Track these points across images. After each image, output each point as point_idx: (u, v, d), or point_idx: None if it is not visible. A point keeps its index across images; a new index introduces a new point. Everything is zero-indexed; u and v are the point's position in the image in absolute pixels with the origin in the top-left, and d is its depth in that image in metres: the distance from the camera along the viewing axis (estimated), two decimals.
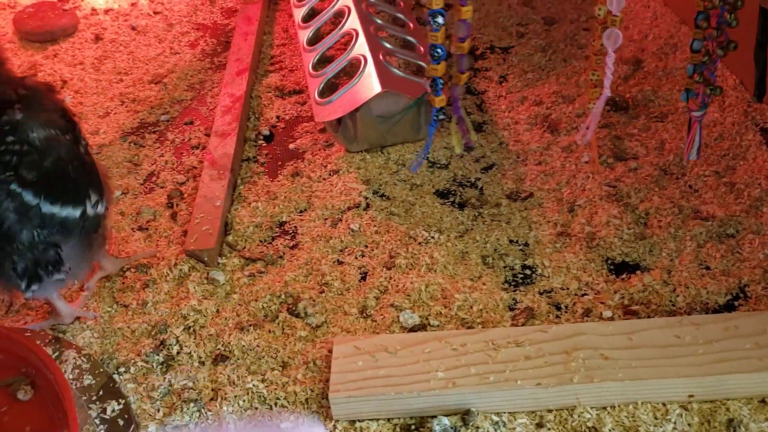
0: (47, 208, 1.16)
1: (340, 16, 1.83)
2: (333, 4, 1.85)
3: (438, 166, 1.61)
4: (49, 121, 1.20)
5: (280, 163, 1.68)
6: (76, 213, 1.20)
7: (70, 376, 1.20)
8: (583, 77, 1.77)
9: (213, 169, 1.61)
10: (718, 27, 1.22)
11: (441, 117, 1.29)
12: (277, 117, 1.81)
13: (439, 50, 1.21)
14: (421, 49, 1.75)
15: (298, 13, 1.95)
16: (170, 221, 1.55)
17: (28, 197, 1.15)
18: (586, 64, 1.34)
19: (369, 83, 1.56)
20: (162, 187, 1.64)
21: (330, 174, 1.62)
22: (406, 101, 1.58)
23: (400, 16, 1.85)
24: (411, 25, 1.83)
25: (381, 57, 1.63)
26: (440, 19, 1.19)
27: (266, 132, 1.77)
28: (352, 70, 1.74)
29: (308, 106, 1.82)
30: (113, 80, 1.97)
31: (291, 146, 1.72)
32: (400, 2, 1.92)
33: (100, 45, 2.10)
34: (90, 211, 1.23)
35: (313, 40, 1.85)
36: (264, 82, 1.91)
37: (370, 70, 1.59)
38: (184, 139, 1.77)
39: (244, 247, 1.47)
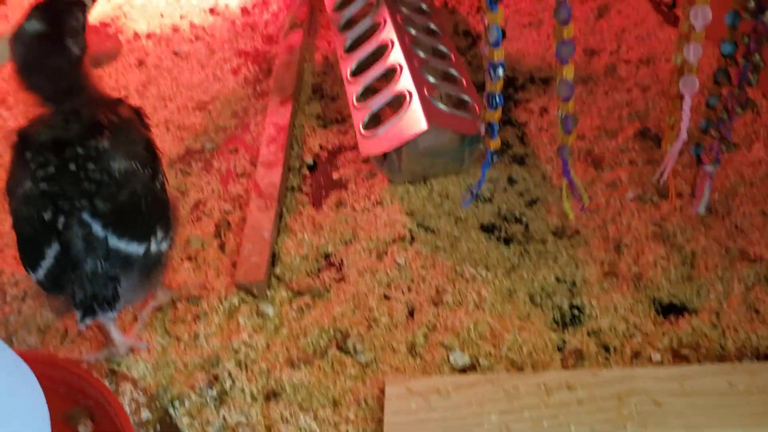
0: (113, 242, 1.17)
1: (383, 48, 1.85)
2: (377, 36, 1.87)
3: (482, 199, 1.62)
4: (132, 153, 1.23)
5: (324, 192, 1.71)
6: (141, 250, 1.22)
7: (128, 410, 1.22)
8: (625, 111, 1.78)
9: (260, 200, 1.63)
10: (739, 85, 1.23)
11: (495, 159, 1.31)
12: (320, 146, 1.83)
13: (497, 98, 1.23)
14: (464, 82, 1.76)
15: (341, 44, 1.97)
16: (218, 251, 1.57)
17: (97, 228, 1.17)
18: (665, 106, 1.36)
19: (415, 118, 1.58)
20: (209, 216, 1.66)
21: (374, 205, 1.64)
22: (451, 136, 1.59)
23: (443, 48, 1.87)
24: (453, 57, 1.85)
25: (426, 91, 1.65)
26: (500, 71, 1.21)
27: (310, 161, 1.79)
28: (397, 102, 1.76)
29: (350, 136, 1.84)
30: (158, 106, 2.00)
31: (334, 176, 1.75)
32: (441, 35, 1.93)
33: (143, 70, 2.14)
34: (154, 247, 1.24)
35: (357, 72, 1.87)
36: (306, 111, 1.94)
37: (416, 105, 1.60)
38: (229, 167, 1.80)
39: (292, 279, 1.49)
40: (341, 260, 1.52)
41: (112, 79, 2.11)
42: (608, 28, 2.05)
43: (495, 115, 1.25)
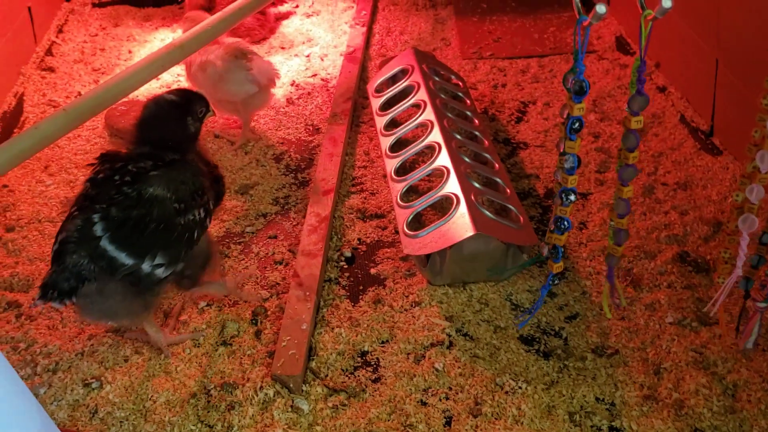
0: (105, 243, 1.34)
1: (430, 150, 1.89)
2: (423, 138, 1.92)
3: (521, 309, 1.62)
4: (174, 187, 1.40)
5: (361, 287, 1.71)
6: (129, 262, 1.36)
7: None
8: (664, 233, 1.80)
9: (300, 290, 1.63)
10: None
11: (556, 282, 1.32)
12: (359, 240, 1.85)
13: (566, 223, 1.25)
14: (507, 190, 1.80)
15: (386, 143, 2.02)
16: (254, 339, 1.56)
17: (98, 228, 1.35)
18: (720, 240, 1.40)
19: (462, 223, 1.60)
20: (246, 302, 1.66)
21: (412, 305, 1.64)
22: (496, 244, 1.61)
23: (487, 155, 1.91)
24: (497, 165, 1.89)
25: (472, 197, 1.67)
26: (572, 197, 1.24)
27: (348, 254, 1.80)
28: (440, 204, 1.79)
29: (389, 232, 1.86)
30: None
31: (372, 271, 1.75)
32: (485, 141, 1.98)
33: None
34: (146, 267, 1.38)
35: (402, 171, 1.91)
36: (346, 203, 1.96)
37: (463, 210, 1.63)
38: (267, 253, 1.81)
39: (327, 375, 1.48)
40: (378, 360, 1.51)
41: None
42: (645, 150, 2.10)
43: (562, 239, 1.27)
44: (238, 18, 2.03)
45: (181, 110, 1.49)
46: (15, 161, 1.51)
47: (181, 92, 1.55)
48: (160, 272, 1.40)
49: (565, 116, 1.23)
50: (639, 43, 1.17)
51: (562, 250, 1.29)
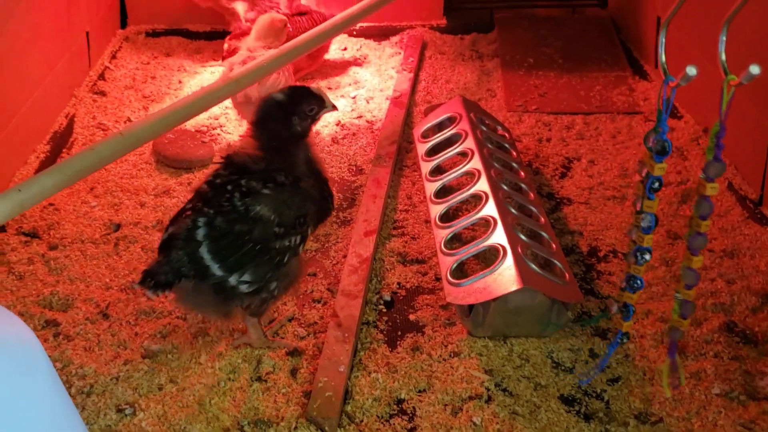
0: (203, 251, 1.42)
1: (476, 199, 1.88)
2: (470, 186, 1.91)
3: (562, 368, 1.58)
4: (279, 209, 1.45)
5: (399, 333, 1.68)
6: (218, 272, 1.43)
7: None
8: (710, 301, 1.76)
9: (338, 331, 1.61)
10: None
11: (624, 340, 1.29)
12: (398, 284, 1.83)
13: (639, 281, 1.23)
14: (553, 245, 1.78)
15: (431, 188, 2.01)
16: (289, 377, 1.54)
17: (200, 233, 1.42)
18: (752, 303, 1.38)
19: (509, 276, 1.58)
20: (283, 338, 1.64)
21: (451, 355, 1.61)
22: (542, 299, 1.58)
23: (532, 208, 1.90)
24: (542, 219, 1.87)
25: (519, 249, 1.66)
26: (647, 256, 1.22)
27: (387, 297, 1.78)
28: (485, 255, 1.77)
29: (429, 278, 1.84)
30: None
31: (411, 317, 1.73)
32: (530, 193, 1.97)
33: None
34: (232, 281, 1.44)
35: (446, 218, 1.90)
36: (387, 246, 1.95)
37: (510, 262, 1.61)
38: (306, 291, 1.79)
39: (362, 421, 1.45)
40: (414, 409, 1.48)
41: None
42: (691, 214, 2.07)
43: (634, 298, 1.25)
44: (294, 56, 2.06)
45: (285, 109, 1.50)
46: (70, 180, 1.52)
47: (289, 90, 1.55)
48: (245, 288, 1.46)
49: (644, 174, 1.21)
50: (720, 108, 1.16)
51: (633, 309, 1.27)
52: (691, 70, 1.09)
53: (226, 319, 1.58)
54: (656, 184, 1.20)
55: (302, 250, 1.53)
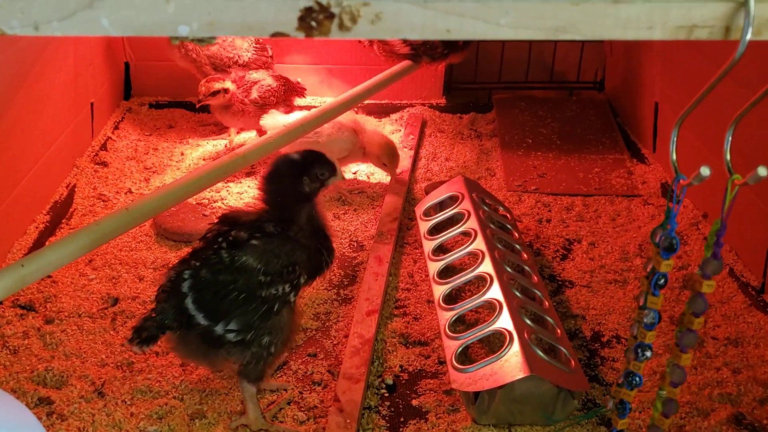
0: (188, 302, 1.46)
1: (480, 280, 1.87)
2: (473, 268, 1.91)
3: None
4: (266, 259, 1.47)
5: (402, 419, 1.64)
6: (203, 322, 1.46)
7: None
8: (716, 391, 1.74)
9: (340, 416, 1.57)
10: None
11: None
12: (401, 367, 1.80)
13: (638, 379, 1.21)
14: (558, 331, 1.76)
15: (434, 268, 2.01)
16: None
17: (185, 285, 1.47)
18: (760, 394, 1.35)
19: (516, 362, 1.56)
20: (282, 423, 1.60)
21: None
22: (548, 387, 1.56)
23: (537, 291, 1.89)
24: (546, 303, 1.86)
25: (525, 335, 1.64)
26: (648, 353, 1.20)
27: (390, 381, 1.75)
28: (489, 339, 1.75)
29: (432, 361, 1.81)
30: None
31: (414, 402, 1.69)
32: (534, 276, 1.97)
33: None
34: (219, 329, 1.47)
35: (449, 299, 1.88)
36: (389, 326, 1.93)
37: (516, 349, 1.59)
38: (306, 372, 1.76)
39: None
40: None
41: None
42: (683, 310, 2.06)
43: (631, 395, 1.22)
44: (301, 132, 2.08)
45: (298, 169, 1.55)
46: (74, 256, 1.51)
47: (305, 152, 1.60)
48: (231, 336, 1.48)
49: (649, 270, 1.21)
50: (722, 206, 1.16)
51: (630, 406, 1.24)
52: (705, 171, 1.10)
53: (216, 369, 1.65)
54: (662, 281, 1.19)
55: (293, 299, 1.54)
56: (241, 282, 1.46)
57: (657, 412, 1.28)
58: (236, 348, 1.50)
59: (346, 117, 2.49)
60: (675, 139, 1.13)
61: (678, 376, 1.25)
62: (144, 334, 1.44)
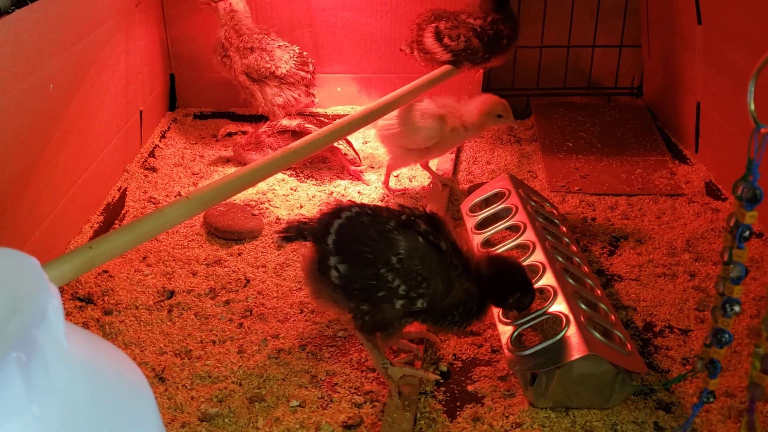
0: (332, 228, 1.58)
1: (532, 270, 1.88)
2: (524, 258, 1.91)
3: None
4: (411, 257, 1.51)
5: (458, 403, 1.65)
6: (327, 245, 1.57)
7: None
8: None
9: (399, 399, 1.58)
10: None
11: (711, 399, 1.25)
12: (454, 355, 1.80)
13: (727, 335, 1.21)
14: (612, 317, 1.76)
15: None
16: None
17: (336, 223, 1.58)
18: None
19: (574, 343, 1.56)
20: (337, 404, 1.61)
21: (513, 426, 1.57)
22: (607, 367, 1.55)
23: (589, 281, 1.89)
24: (599, 292, 1.86)
25: (582, 318, 1.64)
26: (737, 308, 1.21)
27: (444, 368, 1.76)
28: (542, 325, 1.75)
29: (485, 350, 1.82)
30: (293, 287, 2.04)
31: (469, 388, 1.69)
32: (584, 266, 1.97)
33: (281, 252, 2.21)
34: (332, 260, 1.55)
35: None
36: None
37: (573, 330, 1.59)
38: (361, 359, 1.77)
39: None
40: None
41: (252, 256, 2.18)
42: (745, 293, 2.05)
43: (721, 353, 1.22)
44: (348, 131, 2.12)
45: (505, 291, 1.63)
46: (138, 240, 1.55)
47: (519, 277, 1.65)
48: (335, 275, 1.54)
49: (732, 224, 1.21)
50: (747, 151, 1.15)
51: (720, 365, 1.23)
52: None
53: (324, 304, 1.64)
54: (747, 233, 1.19)
55: (400, 307, 1.54)
56: (377, 252, 1.51)
57: (755, 369, 1.26)
58: (339, 292, 1.55)
59: (428, 104, 2.43)
60: (752, 89, 1.14)
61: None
62: (289, 233, 1.61)
